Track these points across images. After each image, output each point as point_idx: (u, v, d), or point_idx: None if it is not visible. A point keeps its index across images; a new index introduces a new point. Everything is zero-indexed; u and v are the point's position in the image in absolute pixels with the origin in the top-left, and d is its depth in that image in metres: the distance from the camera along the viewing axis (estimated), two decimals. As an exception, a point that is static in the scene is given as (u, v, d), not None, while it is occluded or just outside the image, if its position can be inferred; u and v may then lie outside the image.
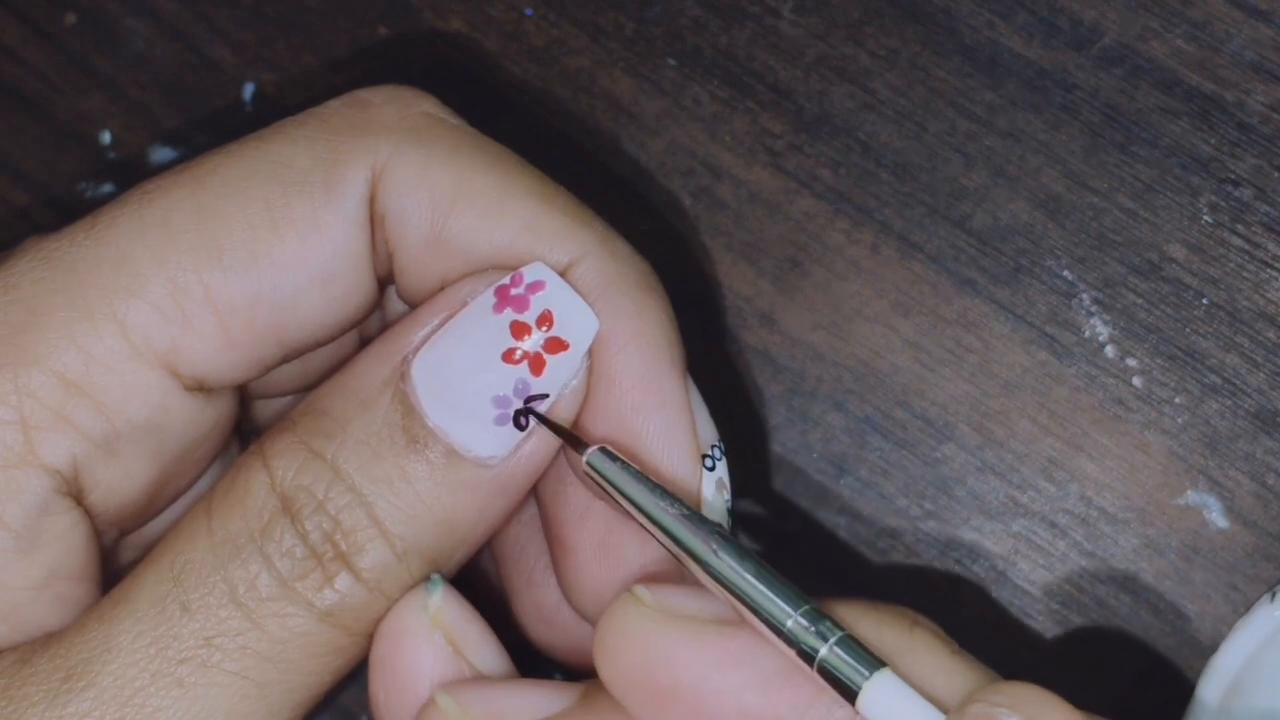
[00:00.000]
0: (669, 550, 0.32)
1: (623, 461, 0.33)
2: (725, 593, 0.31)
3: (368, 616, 0.33)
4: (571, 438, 0.34)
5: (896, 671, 0.30)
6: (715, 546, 0.32)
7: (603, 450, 0.34)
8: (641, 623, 0.31)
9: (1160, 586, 0.42)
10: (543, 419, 0.34)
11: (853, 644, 0.30)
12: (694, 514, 0.32)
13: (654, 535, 0.33)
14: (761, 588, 0.31)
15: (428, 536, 0.33)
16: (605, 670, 0.32)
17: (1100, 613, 0.42)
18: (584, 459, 0.34)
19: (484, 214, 0.35)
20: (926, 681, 0.31)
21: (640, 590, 0.32)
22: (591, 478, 0.33)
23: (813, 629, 0.30)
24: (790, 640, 0.30)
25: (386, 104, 0.36)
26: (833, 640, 0.30)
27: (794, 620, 0.30)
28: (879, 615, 0.32)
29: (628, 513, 0.33)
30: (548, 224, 0.35)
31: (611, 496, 0.33)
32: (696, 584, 0.32)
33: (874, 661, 0.30)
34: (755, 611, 0.31)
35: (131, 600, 0.33)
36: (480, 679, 0.34)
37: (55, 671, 0.32)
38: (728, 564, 0.31)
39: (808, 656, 0.30)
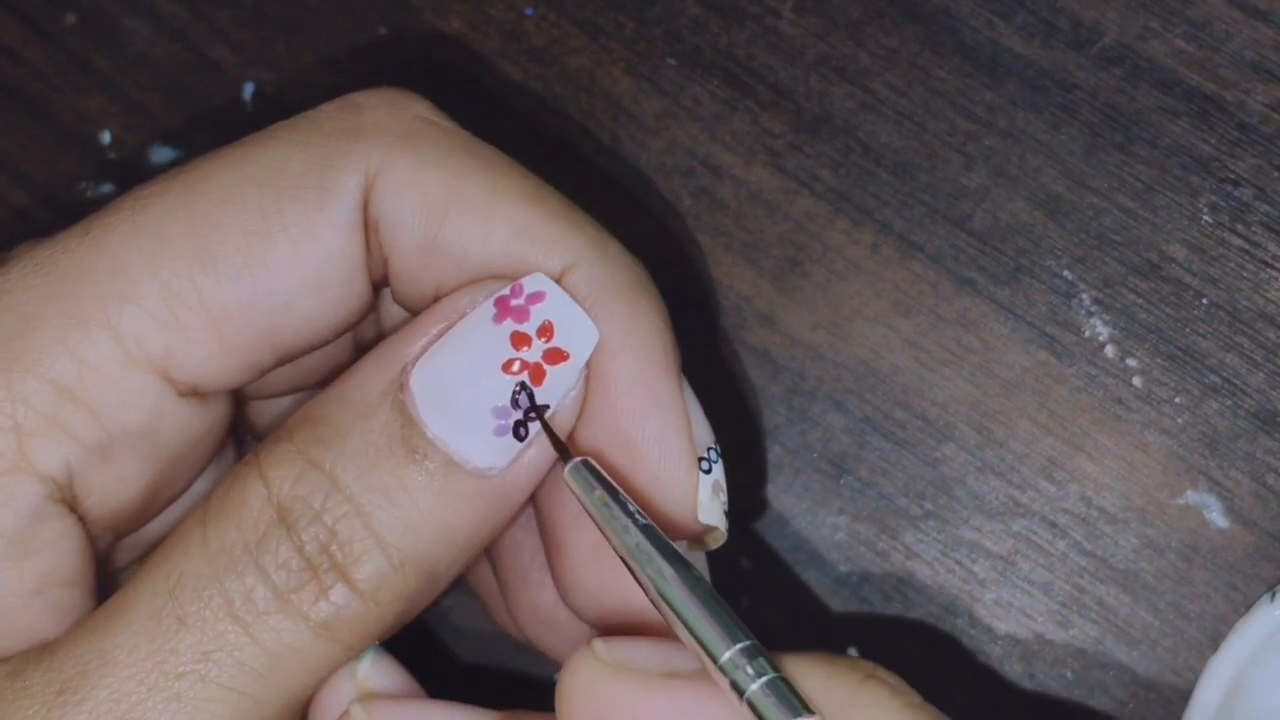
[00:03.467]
0: (629, 569, 0.33)
1: (601, 476, 0.33)
2: (673, 618, 0.32)
3: (364, 629, 0.33)
4: (561, 448, 0.34)
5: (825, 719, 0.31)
6: (668, 573, 0.32)
7: (585, 463, 0.34)
8: (596, 676, 0.32)
9: (1160, 586, 0.42)
10: (545, 425, 0.34)
11: (784, 686, 0.30)
12: (657, 537, 0.33)
13: (618, 554, 0.33)
14: (706, 617, 0.31)
15: (425, 547, 0.33)
16: (563, 718, 0.32)
17: (1100, 613, 0.42)
18: (565, 470, 0.34)
19: (476, 220, 0.34)
20: None
21: (597, 644, 0.32)
22: (571, 488, 0.34)
23: (747, 664, 0.30)
24: (724, 672, 0.31)
25: (379, 107, 0.35)
26: (764, 679, 0.30)
27: (731, 654, 0.31)
28: (831, 667, 0.32)
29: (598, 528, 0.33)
30: (540, 229, 0.35)
31: (585, 509, 0.33)
32: (661, 635, 0.33)
33: (801, 706, 0.30)
34: (697, 640, 0.31)
35: (127, 613, 0.33)
36: (401, 699, 0.34)
37: (49, 685, 0.32)
38: (677, 591, 0.32)
39: (739, 691, 0.31)
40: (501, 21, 0.45)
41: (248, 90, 0.46)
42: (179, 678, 0.32)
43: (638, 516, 0.33)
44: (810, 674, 0.31)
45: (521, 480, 0.34)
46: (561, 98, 0.45)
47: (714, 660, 0.31)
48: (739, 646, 0.31)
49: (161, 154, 0.46)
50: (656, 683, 0.32)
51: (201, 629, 0.32)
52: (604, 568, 0.36)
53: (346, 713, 0.33)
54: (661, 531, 0.33)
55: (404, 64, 0.46)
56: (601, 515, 0.33)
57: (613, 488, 0.33)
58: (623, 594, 0.36)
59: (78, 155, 0.46)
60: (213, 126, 0.46)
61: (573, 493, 0.34)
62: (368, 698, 0.33)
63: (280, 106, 0.46)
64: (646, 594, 0.32)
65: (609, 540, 0.33)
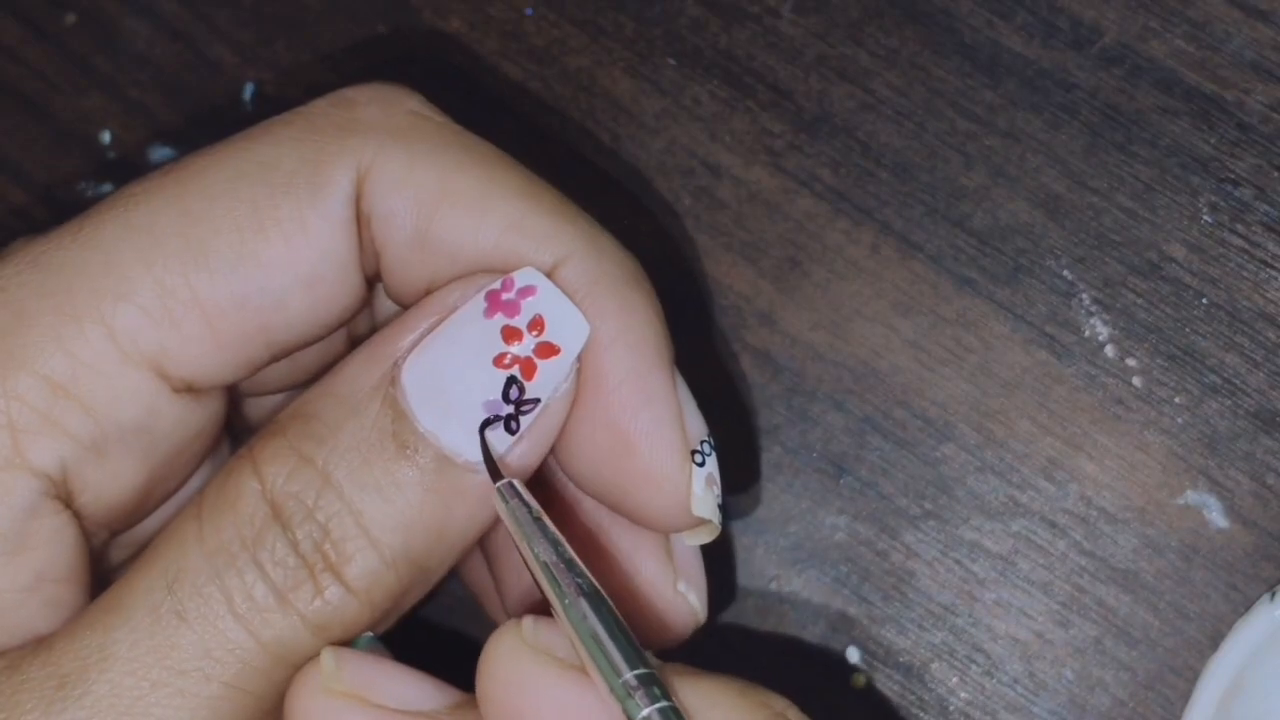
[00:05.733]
0: (540, 590, 0.33)
1: (523, 500, 0.33)
2: (575, 642, 0.32)
3: (357, 626, 0.33)
4: (492, 467, 0.34)
5: None
6: (570, 598, 0.32)
7: (511, 485, 0.34)
8: (513, 652, 0.32)
9: (1160, 586, 0.42)
10: (483, 440, 0.34)
11: (675, 716, 0.31)
12: (569, 563, 0.33)
13: (531, 574, 0.33)
14: (606, 643, 0.31)
15: (417, 543, 0.33)
16: (478, 686, 0.32)
17: (1100, 613, 0.42)
18: (495, 487, 0.34)
19: (469, 214, 0.34)
20: None
21: (526, 621, 0.32)
22: (497, 506, 0.34)
23: (640, 691, 0.31)
24: (618, 699, 0.31)
25: (372, 103, 0.36)
26: (655, 707, 0.30)
27: (625, 679, 0.31)
28: (740, 698, 0.32)
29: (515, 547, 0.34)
30: (532, 223, 0.35)
31: (507, 526, 0.34)
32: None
33: None
34: (596, 664, 0.31)
35: (125, 608, 0.33)
36: (375, 658, 0.34)
37: (48, 679, 0.32)
38: (579, 615, 0.32)
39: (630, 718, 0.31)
40: (501, 21, 0.45)
41: (248, 90, 0.46)
42: (182, 674, 0.32)
43: (558, 542, 0.33)
44: (717, 702, 0.32)
45: (512, 474, 0.34)
46: (561, 98, 0.45)
47: (609, 687, 0.31)
48: (634, 673, 0.31)
49: (161, 154, 0.46)
50: (570, 674, 0.32)
51: (203, 626, 0.32)
52: (594, 562, 0.36)
53: (318, 656, 0.33)
54: (578, 561, 0.33)
55: (403, 64, 0.46)
56: (520, 534, 0.33)
57: (536, 511, 0.33)
58: (613, 586, 0.36)
59: (77, 155, 0.46)
60: (213, 126, 0.46)
61: (499, 510, 0.34)
62: (342, 651, 0.33)
63: (280, 107, 0.45)
64: (555, 616, 0.32)
65: (525, 560, 0.33)
